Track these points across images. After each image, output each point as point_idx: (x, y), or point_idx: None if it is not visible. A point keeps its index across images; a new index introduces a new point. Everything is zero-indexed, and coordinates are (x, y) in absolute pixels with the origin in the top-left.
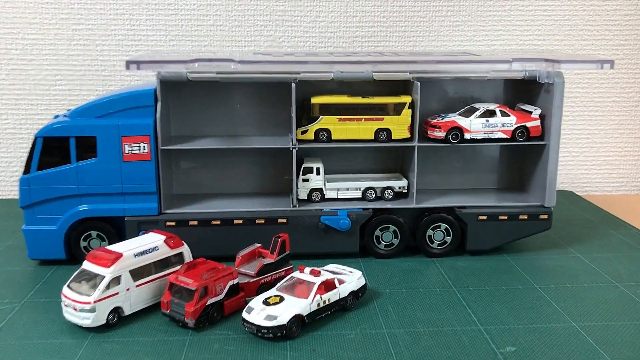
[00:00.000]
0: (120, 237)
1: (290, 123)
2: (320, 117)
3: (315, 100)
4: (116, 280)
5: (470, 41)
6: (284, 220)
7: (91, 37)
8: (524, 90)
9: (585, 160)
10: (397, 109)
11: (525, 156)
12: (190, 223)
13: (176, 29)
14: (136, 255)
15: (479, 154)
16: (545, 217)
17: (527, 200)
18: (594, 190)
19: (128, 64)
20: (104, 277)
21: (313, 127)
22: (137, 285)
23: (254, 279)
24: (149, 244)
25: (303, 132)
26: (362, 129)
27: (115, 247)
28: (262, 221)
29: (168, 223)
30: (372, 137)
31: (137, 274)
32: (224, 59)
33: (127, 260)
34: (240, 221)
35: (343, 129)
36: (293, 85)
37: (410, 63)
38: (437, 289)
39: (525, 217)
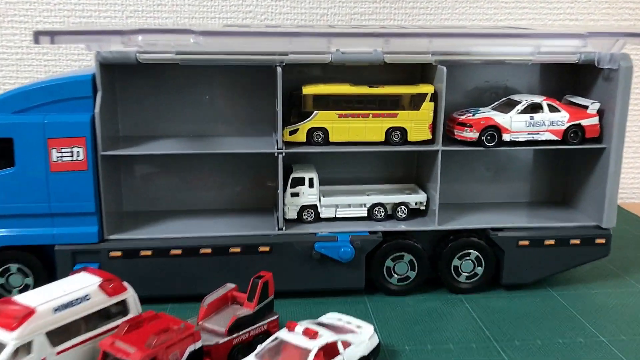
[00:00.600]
0: (51, 272)
1: (276, 120)
2: (315, 112)
3: (308, 90)
4: (26, 347)
5: (491, 20)
6: (267, 249)
7: (30, 12)
8: (571, 79)
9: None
10: (416, 102)
11: (573, 162)
12: (142, 253)
13: (134, 2)
14: (56, 309)
15: (514, 159)
16: (603, 241)
17: (578, 219)
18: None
19: (37, 35)
20: (6, 344)
21: (305, 126)
22: (59, 353)
23: (225, 339)
24: (77, 290)
25: (292, 133)
26: (369, 129)
27: (30, 296)
28: (238, 250)
29: (112, 253)
30: (382, 139)
31: (59, 335)
32: (180, 29)
33: (42, 319)
34: (209, 250)
35: (344, 128)
36: (279, 70)
37: (435, 37)
38: (473, 345)
39: (578, 241)
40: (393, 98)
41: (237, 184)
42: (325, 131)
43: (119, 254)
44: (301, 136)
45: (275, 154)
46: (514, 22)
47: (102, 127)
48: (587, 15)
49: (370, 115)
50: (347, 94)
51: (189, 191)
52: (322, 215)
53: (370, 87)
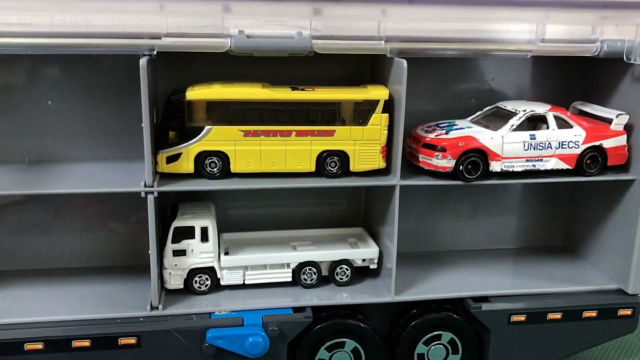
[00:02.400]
0: None
1: (143, 140)
2: (207, 127)
3: (196, 93)
4: None
5: None
6: (133, 341)
7: None
8: (583, 78)
9: None
10: (361, 113)
11: (584, 194)
12: None
13: None
14: None
15: (498, 189)
16: (628, 312)
17: (591, 279)
18: None
19: None
20: None
21: (192, 149)
22: None
23: None
24: None
25: (171, 160)
26: (291, 153)
27: None
28: (86, 344)
29: None
30: (312, 168)
31: None
32: None
33: None
34: (40, 345)
35: (253, 152)
36: (143, 61)
37: (386, 3)
38: None
39: (594, 314)
40: (328, 107)
41: (89, 234)
42: (223, 157)
43: None
44: (185, 165)
45: (143, 194)
46: None
47: None
48: None
49: (293, 133)
50: (257, 100)
51: (12, 246)
52: (222, 282)
53: (292, 89)
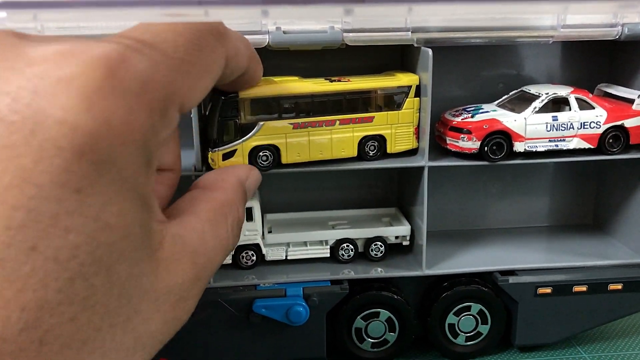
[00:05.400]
0: None
1: (192, 135)
2: (260, 123)
3: (247, 91)
4: None
5: None
6: None
7: None
8: (607, 62)
9: None
10: (396, 99)
11: (611, 174)
12: None
13: None
14: None
15: (529, 169)
16: None
17: (617, 254)
18: None
19: None
20: None
21: (246, 145)
22: None
23: None
24: None
25: (227, 157)
26: (336, 141)
27: None
28: None
29: None
30: (355, 153)
31: None
32: None
33: None
34: None
35: (302, 143)
36: None
37: (417, 2)
38: None
39: (619, 286)
40: (366, 95)
41: None
42: (275, 150)
43: None
44: (240, 160)
45: (193, 177)
46: None
47: None
48: None
49: (337, 122)
50: (303, 94)
51: None
52: (267, 258)
53: (330, 81)
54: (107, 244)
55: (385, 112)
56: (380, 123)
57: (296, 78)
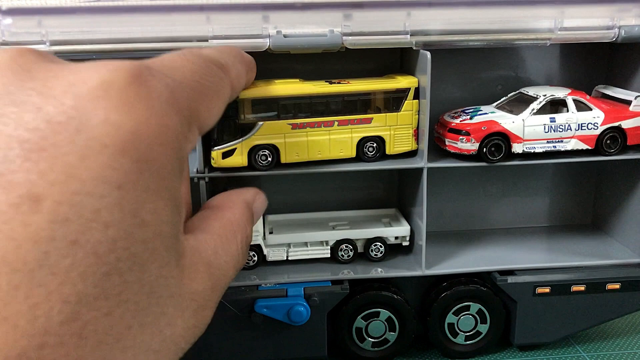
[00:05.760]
0: None
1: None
2: (259, 123)
3: (246, 92)
4: None
5: None
6: None
7: None
8: (605, 64)
9: None
10: (395, 101)
11: (609, 174)
12: None
13: None
14: None
15: (528, 170)
16: None
17: (616, 254)
18: None
19: None
20: None
21: (245, 144)
22: None
23: None
24: None
25: (227, 155)
26: (334, 142)
27: None
28: None
29: None
30: (354, 154)
31: None
32: None
33: None
34: None
35: (300, 143)
36: None
37: (415, 7)
38: None
39: (617, 286)
40: (365, 97)
41: None
42: (274, 149)
43: None
44: (239, 159)
45: (195, 180)
46: None
47: None
48: None
49: (336, 122)
50: (302, 95)
51: None
52: (268, 259)
53: (330, 83)
54: (142, 241)
55: (384, 114)
56: (379, 124)
57: (297, 80)
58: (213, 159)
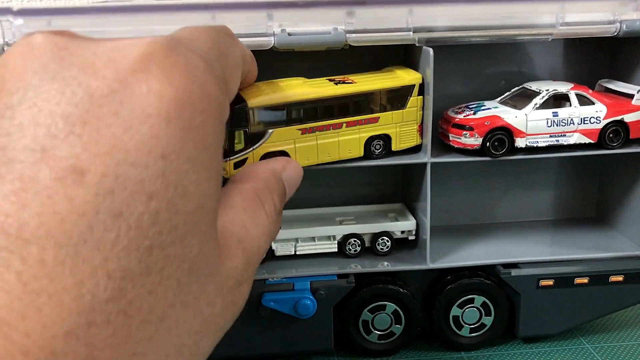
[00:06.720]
0: None
1: None
2: (269, 130)
3: (256, 100)
4: None
5: None
6: None
7: None
8: (607, 58)
9: None
10: (400, 98)
11: (613, 168)
12: None
13: None
14: None
15: (532, 165)
16: None
17: (618, 247)
18: None
19: None
20: None
21: (257, 153)
22: None
23: None
24: None
25: (238, 165)
26: (344, 143)
27: None
28: None
29: None
30: (362, 154)
31: None
32: None
33: None
34: None
35: (310, 147)
36: None
37: (417, 3)
38: None
39: (620, 278)
40: (371, 97)
41: None
42: (284, 155)
43: None
44: None
45: None
46: None
47: None
48: None
49: (344, 124)
50: (311, 99)
51: None
52: (277, 253)
53: (335, 83)
54: (184, 213)
55: (390, 112)
56: (386, 123)
57: (300, 80)
58: (225, 170)
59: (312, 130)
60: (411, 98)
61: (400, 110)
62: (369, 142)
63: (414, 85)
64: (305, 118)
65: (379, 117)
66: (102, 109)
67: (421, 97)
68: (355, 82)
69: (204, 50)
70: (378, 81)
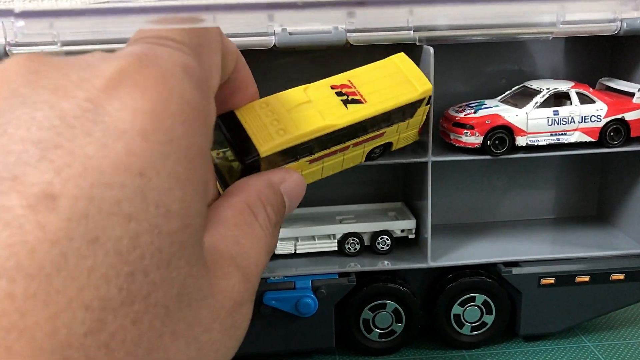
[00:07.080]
0: None
1: None
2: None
3: (267, 148)
4: None
5: None
6: None
7: None
8: (608, 56)
9: None
10: (409, 111)
11: (614, 166)
12: None
13: None
14: None
15: (533, 163)
16: None
17: (620, 245)
18: None
19: None
20: None
21: None
22: None
23: None
24: None
25: None
26: (348, 159)
27: None
28: None
29: None
30: (362, 160)
31: None
32: None
33: None
34: None
35: (316, 170)
36: None
37: (417, 3)
38: None
39: (621, 276)
40: (382, 116)
41: None
42: None
43: None
44: None
45: None
46: None
47: None
48: None
49: (351, 146)
50: (321, 135)
51: None
52: (277, 252)
53: (338, 94)
54: (167, 234)
55: (397, 124)
56: (390, 134)
57: (301, 89)
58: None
59: (320, 159)
60: (419, 108)
61: (407, 121)
62: (371, 150)
63: (424, 99)
64: (315, 150)
65: (385, 132)
66: (74, 130)
67: (429, 106)
68: (365, 102)
69: (186, 44)
70: (390, 98)
